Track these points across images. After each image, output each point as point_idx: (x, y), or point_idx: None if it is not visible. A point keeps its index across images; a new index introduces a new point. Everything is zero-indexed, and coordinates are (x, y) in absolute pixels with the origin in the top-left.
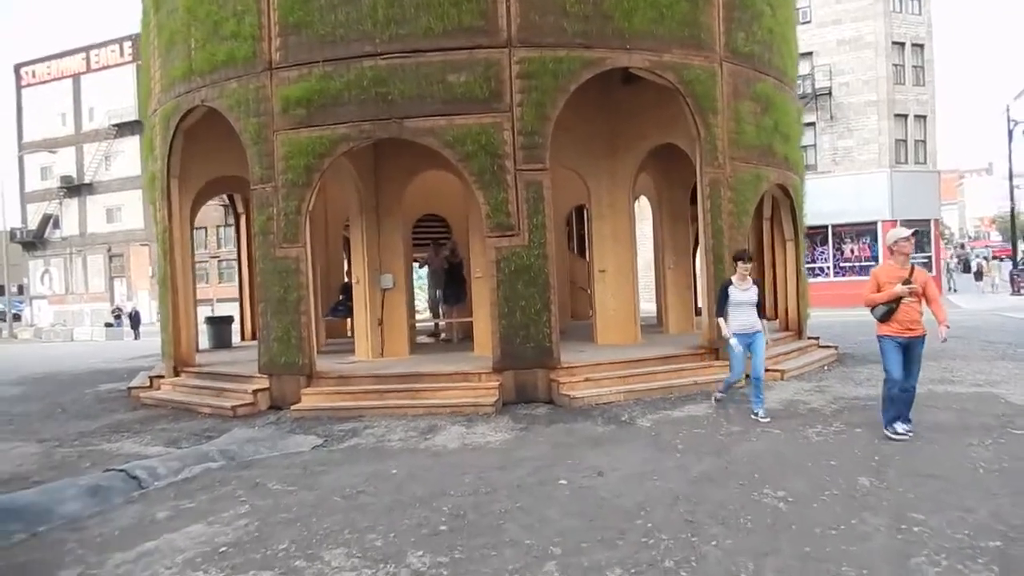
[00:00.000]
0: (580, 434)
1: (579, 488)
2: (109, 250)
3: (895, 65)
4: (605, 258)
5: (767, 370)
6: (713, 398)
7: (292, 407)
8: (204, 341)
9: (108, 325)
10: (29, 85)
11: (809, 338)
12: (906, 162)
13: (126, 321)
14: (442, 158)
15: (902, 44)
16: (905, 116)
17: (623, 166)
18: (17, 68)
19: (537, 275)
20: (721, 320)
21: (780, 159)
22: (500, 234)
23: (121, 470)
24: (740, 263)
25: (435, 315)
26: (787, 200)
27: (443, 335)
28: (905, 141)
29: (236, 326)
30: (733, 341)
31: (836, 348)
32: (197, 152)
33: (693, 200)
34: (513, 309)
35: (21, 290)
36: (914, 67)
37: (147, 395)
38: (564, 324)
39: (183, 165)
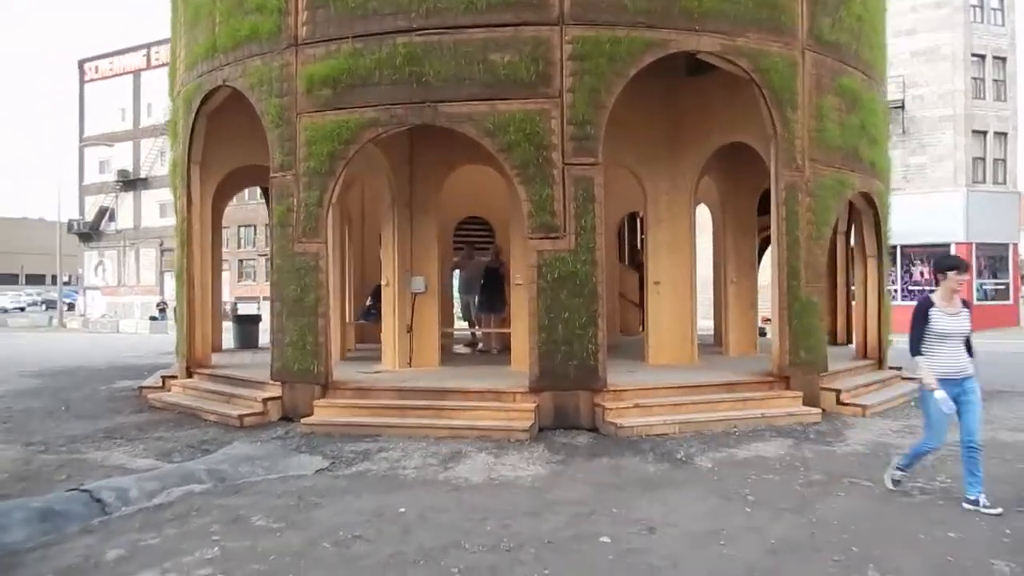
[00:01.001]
0: (628, 473)
1: (626, 550)
2: (161, 244)
3: (974, 79)
4: (660, 269)
5: (844, 404)
6: (888, 477)
7: (303, 420)
8: (230, 340)
9: (152, 318)
10: (92, 80)
11: (890, 368)
12: (983, 181)
13: (170, 315)
14: (485, 152)
15: (982, 56)
16: (984, 133)
17: (684, 167)
18: (81, 64)
19: (584, 284)
20: (922, 360)
21: (866, 164)
22: (543, 235)
23: (85, 490)
24: (953, 274)
25: (469, 323)
26: (870, 211)
27: (480, 345)
28: (983, 159)
29: (265, 325)
30: (941, 395)
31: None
32: (222, 138)
33: (761, 210)
34: (555, 322)
35: (72, 280)
36: (995, 81)
37: (156, 397)
38: (612, 339)
39: (206, 151)
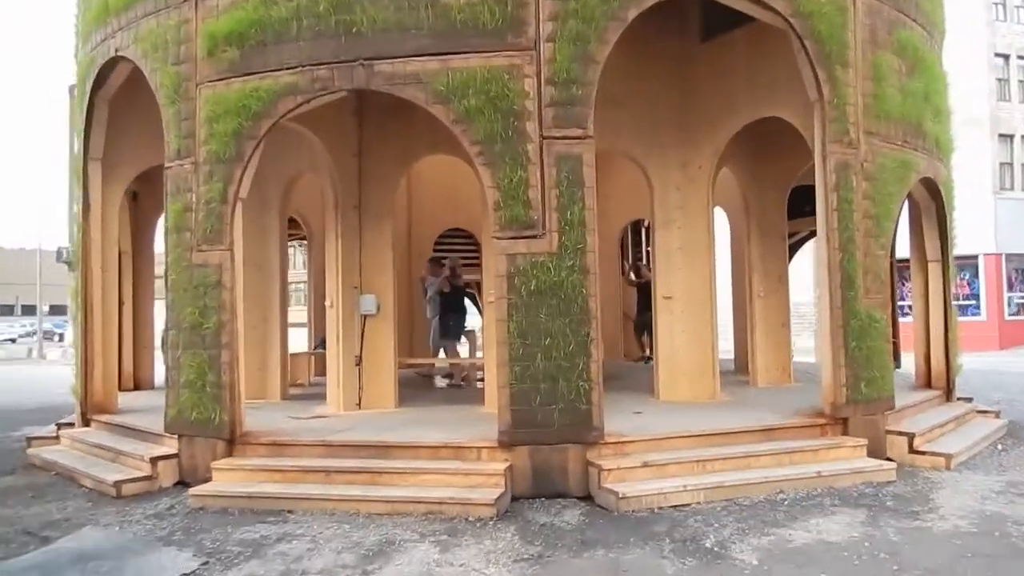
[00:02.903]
0: None
1: None
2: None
3: (998, 79)
4: (672, 280)
5: (919, 452)
6: None
7: (191, 491)
8: None
9: None
10: None
11: (960, 399)
12: (1012, 188)
13: (157, 342)
14: (452, 139)
15: (1006, 56)
16: (1011, 136)
17: (699, 154)
18: (72, 89)
19: (571, 298)
20: None
21: (930, 142)
22: (515, 234)
23: None
24: None
25: (434, 352)
26: (933, 203)
27: (451, 379)
28: (1011, 164)
29: None
30: None
31: (997, 414)
32: (134, 129)
33: (792, 210)
34: (531, 350)
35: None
36: (1020, 82)
37: (36, 452)
38: (613, 368)
39: (111, 145)
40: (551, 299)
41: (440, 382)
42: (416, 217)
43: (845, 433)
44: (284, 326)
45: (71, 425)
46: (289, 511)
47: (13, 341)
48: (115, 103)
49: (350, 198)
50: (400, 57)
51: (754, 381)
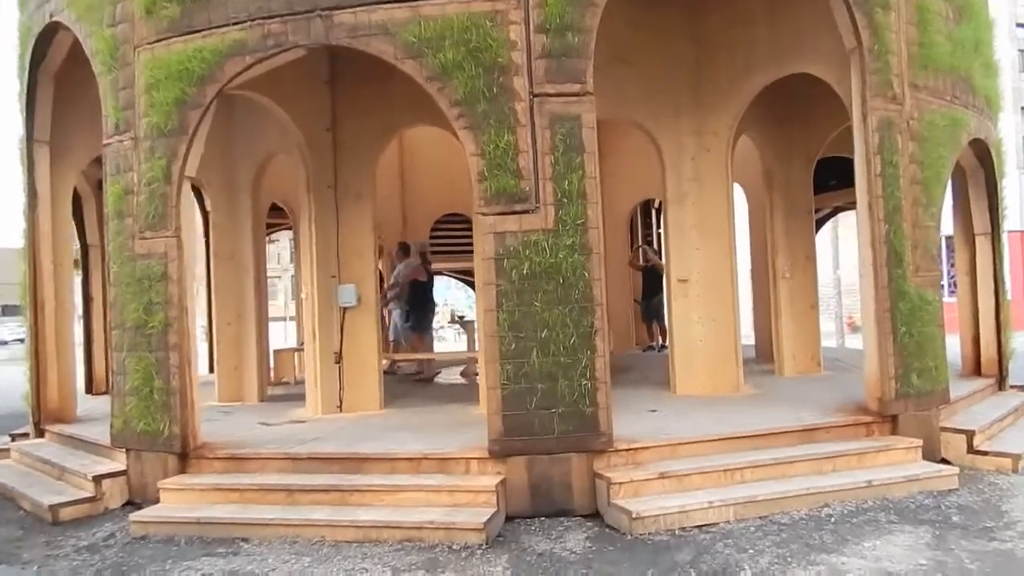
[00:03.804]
0: None
1: None
2: None
3: (1020, 51)
4: (687, 262)
5: (979, 452)
6: None
7: (132, 517)
8: None
9: None
10: None
11: (1014, 387)
12: None
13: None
14: (440, 109)
15: None
16: None
17: (716, 119)
18: None
19: (571, 282)
20: None
21: (980, 99)
22: (504, 210)
23: None
24: None
25: (399, 346)
26: (981, 169)
27: (420, 373)
28: None
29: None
30: None
31: None
32: (84, 110)
33: (818, 183)
34: (526, 344)
35: None
36: None
37: None
38: (624, 359)
39: (59, 127)
40: (547, 284)
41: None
42: (410, 202)
43: (895, 432)
44: (260, 322)
45: (26, 435)
46: (243, 539)
47: (21, 341)
48: (63, 79)
49: (324, 177)
50: (364, 5)
51: (780, 370)
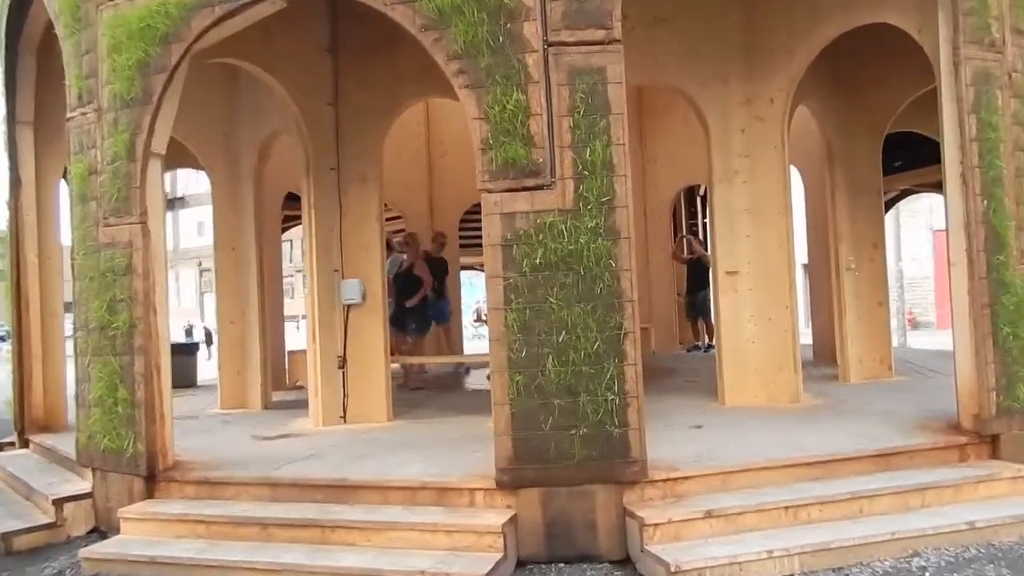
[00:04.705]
0: None
1: None
2: (199, 264)
3: None
4: (737, 251)
5: None
6: None
7: (82, 553)
8: None
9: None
10: None
11: None
12: None
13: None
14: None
15: None
16: None
17: (770, 84)
18: None
19: (595, 274)
20: None
21: None
22: (512, 184)
23: None
24: None
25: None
26: None
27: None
28: None
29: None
30: None
31: None
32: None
33: (888, 158)
34: (540, 351)
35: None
36: None
37: None
38: (666, 361)
39: (45, 107)
40: (566, 276)
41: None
42: (438, 190)
43: (995, 456)
44: (266, 321)
45: (12, 444)
46: None
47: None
48: (46, 53)
49: (325, 158)
50: None
51: (845, 376)
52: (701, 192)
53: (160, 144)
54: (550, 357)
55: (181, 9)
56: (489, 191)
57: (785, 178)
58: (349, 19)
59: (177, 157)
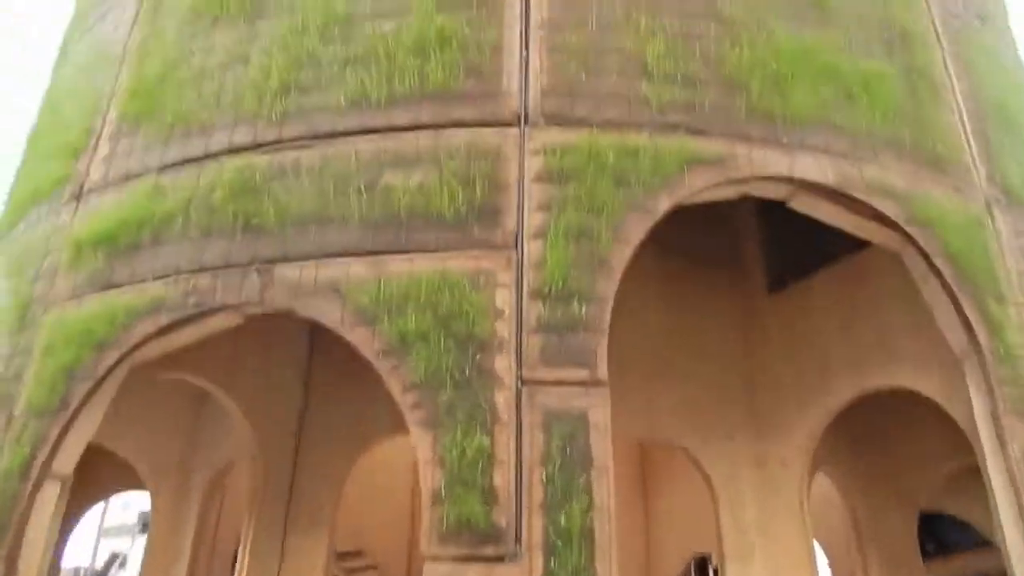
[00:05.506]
0: None
1: None
2: None
3: None
4: None
5: None
6: None
7: None
8: None
9: None
10: None
11: None
12: None
13: None
14: None
15: None
16: None
17: (782, 443)
18: None
19: None
20: None
21: None
22: (465, 552)
23: None
24: None
25: None
26: None
27: None
28: None
29: None
30: None
31: None
32: None
33: (925, 535)
34: None
35: None
36: None
37: None
38: None
39: None
40: None
41: None
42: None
43: None
44: None
45: None
46: None
47: None
48: None
49: (278, 493)
50: (313, 258)
51: None
52: (714, 564)
53: (65, 463)
54: None
55: (128, 315)
56: (435, 558)
57: (810, 557)
58: (326, 340)
59: (124, 478)
